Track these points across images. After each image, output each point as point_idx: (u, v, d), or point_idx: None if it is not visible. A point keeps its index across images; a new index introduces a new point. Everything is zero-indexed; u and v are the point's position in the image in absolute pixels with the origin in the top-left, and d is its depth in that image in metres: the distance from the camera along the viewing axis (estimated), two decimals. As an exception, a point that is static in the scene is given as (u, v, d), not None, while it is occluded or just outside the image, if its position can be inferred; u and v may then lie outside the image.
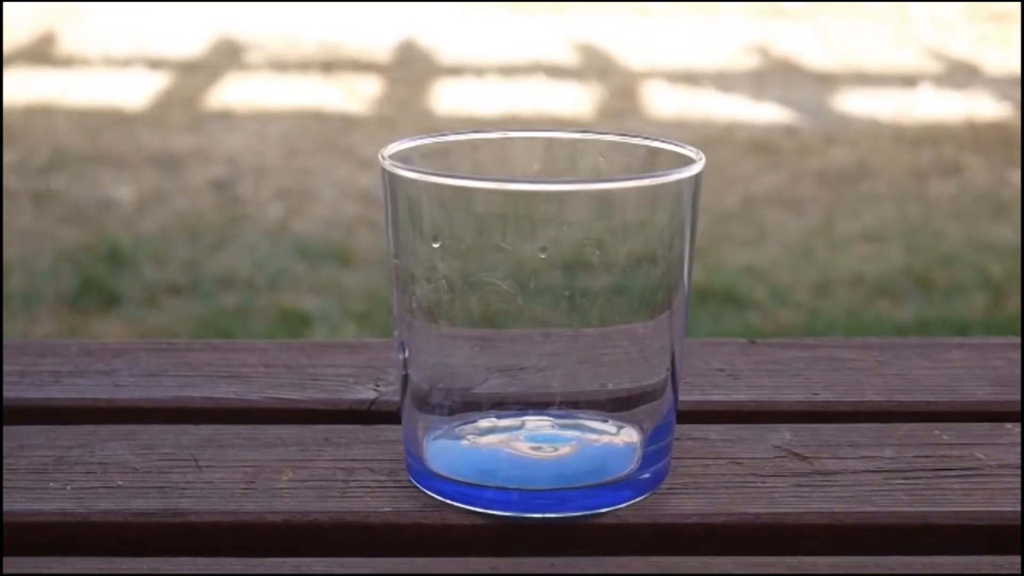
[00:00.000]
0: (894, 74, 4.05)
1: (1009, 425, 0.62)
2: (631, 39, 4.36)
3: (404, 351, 0.55)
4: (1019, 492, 0.56)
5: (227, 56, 4.17)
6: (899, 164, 3.13)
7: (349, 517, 0.54)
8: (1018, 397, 0.65)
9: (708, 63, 4.14)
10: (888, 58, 4.28)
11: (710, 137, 3.26)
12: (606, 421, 0.55)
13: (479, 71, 3.98)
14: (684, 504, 0.55)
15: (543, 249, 0.53)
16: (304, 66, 4.03)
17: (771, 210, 2.79)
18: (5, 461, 0.58)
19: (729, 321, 2.19)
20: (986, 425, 0.62)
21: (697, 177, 0.54)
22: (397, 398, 0.58)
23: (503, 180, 0.53)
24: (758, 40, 4.47)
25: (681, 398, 0.57)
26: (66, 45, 4.28)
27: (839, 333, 2.15)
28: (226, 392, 0.66)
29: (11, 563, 0.52)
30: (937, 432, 0.61)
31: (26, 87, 3.71)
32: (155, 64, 4.00)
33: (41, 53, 4.17)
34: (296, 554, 0.53)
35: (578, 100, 3.72)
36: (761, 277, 2.40)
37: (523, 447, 0.54)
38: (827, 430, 0.62)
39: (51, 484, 0.56)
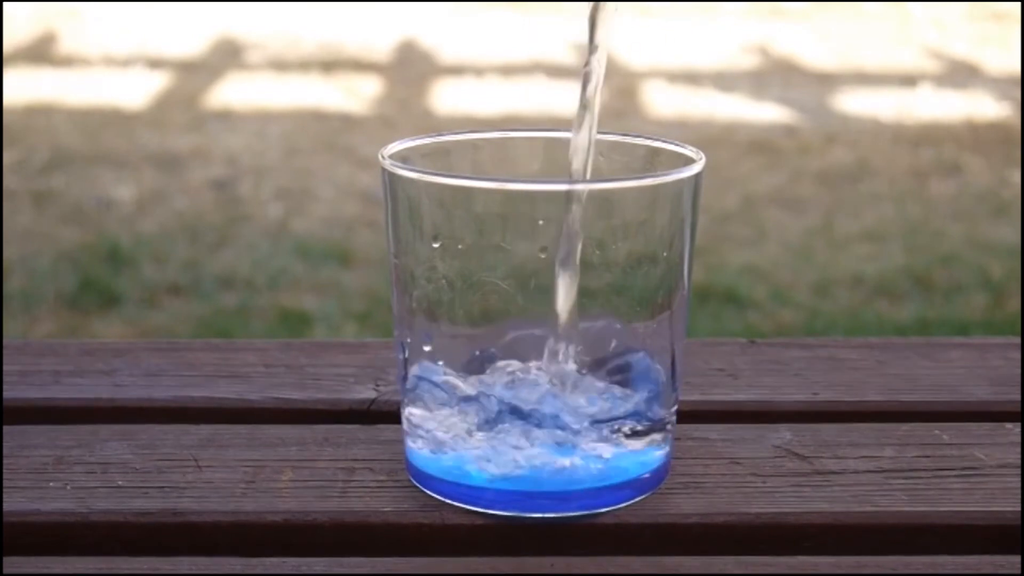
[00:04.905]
0: (894, 74, 4.05)
1: (1009, 425, 0.62)
2: (631, 39, 4.36)
3: (404, 351, 0.55)
4: (1019, 492, 0.56)
5: (227, 56, 4.17)
6: (899, 164, 3.13)
7: (349, 517, 0.54)
8: (1018, 397, 0.65)
9: (708, 63, 4.14)
10: (888, 58, 4.27)
11: (710, 137, 3.26)
12: (606, 420, 0.55)
13: (479, 71, 3.98)
14: (684, 504, 0.55)
15: (543, 249, 0.53)
16: (304, 66, 4.03)
17: (771, 210, 2.79)
18: (5, 461, 0.58)
19: (729, 321, 2.19)
20: (986, 425, 0.62)
21: (697, 177, 0.54)
22: (397, 398, 0.58)
23: (503, 180, 0.53)
24: (758, 40, 4.47)
25: (681, 398, 0.57)
26: (66, 45, 4.28)
27: (839, 333, 2.15)
28: (226, 392, 0.66)
29: (11, 563, 0.52)
30: (937, 432, 0.61)
31: (26, 87, 3.71)
32: (155, 64, 4.00)
33: (41, 53, 4.17)
34: (296, 554, 0.53)
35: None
36: (761, 277, 2.40)
37: (524, 446, 0.54)
38: (827, 430, 0.62)
39: (51, 484, 0.56)
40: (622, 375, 0.55)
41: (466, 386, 0.54)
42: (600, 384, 0.55)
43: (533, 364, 0.55)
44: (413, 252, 0.54)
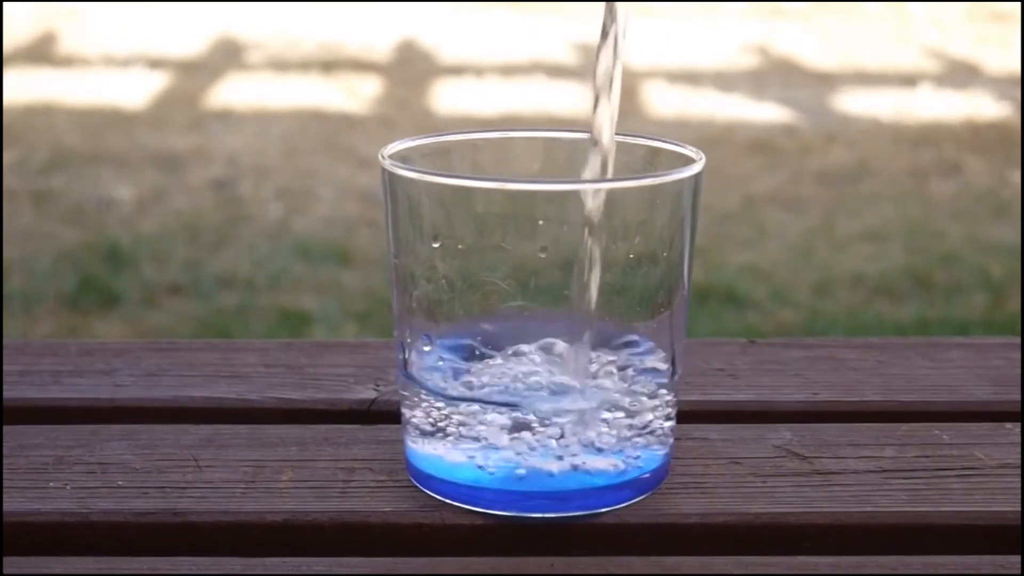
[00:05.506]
0: (894, 74, 4.05)
1: (1009, 425, 0.62)
2: (631, 39, 4.35)
3: (404, 351, 0.55)
4: (1019, 492, 0.56)
5: (227, 56, 4.17)
6: (899, 164, 3.13)
7: (349, 517, 0.54)
8: (1018, 397, 0.65)
9: (708, 63, 4.14)
10: (888, 58, 4.27)
11: (710, 137, 3.26)
12: (606, 420, 0.55)
13: (479, 71, 3.98)
14: (684, 504, 0.55)
15: (543, 249, 0.53)
16: (304, 66, 4.03)
17: (771, 210, 2.79)
18: (5, 461, 0.58)
19: (729, 321, 2.19)
20: (986, 425, 0.62)
21: (697, 177, 0.54)
22: (397, 398, 0.58)
23: (503, 180, 0.53)
24: (758, 40, 4.47)
25: (681, 398, 0.57)
26: (66, 45, 4.28)
27: (839, 333, 2.15)
28: (226, 392, 0.66)
29: (11, 563, 0.52)
30: (937, 432, 0.61)
31: (26, 87, 3.71)
32: (155, 64, 4.00)
33: (41, 53, 4.17)
34: (296, 554, 0.53)
35: (578, 100, 3.72)
36: (761, 277, 2.40)
37: (524, 445, 0.54)
38: (827, 430, 0.62)
39: (51, 484, 0.56)
40: (622, 375, 0.55)
41: (466, 386, 0.54)
42: (600, 384, 0.55)
43: (533, 364, 0.55)
44: (413, 252, 0.54)
